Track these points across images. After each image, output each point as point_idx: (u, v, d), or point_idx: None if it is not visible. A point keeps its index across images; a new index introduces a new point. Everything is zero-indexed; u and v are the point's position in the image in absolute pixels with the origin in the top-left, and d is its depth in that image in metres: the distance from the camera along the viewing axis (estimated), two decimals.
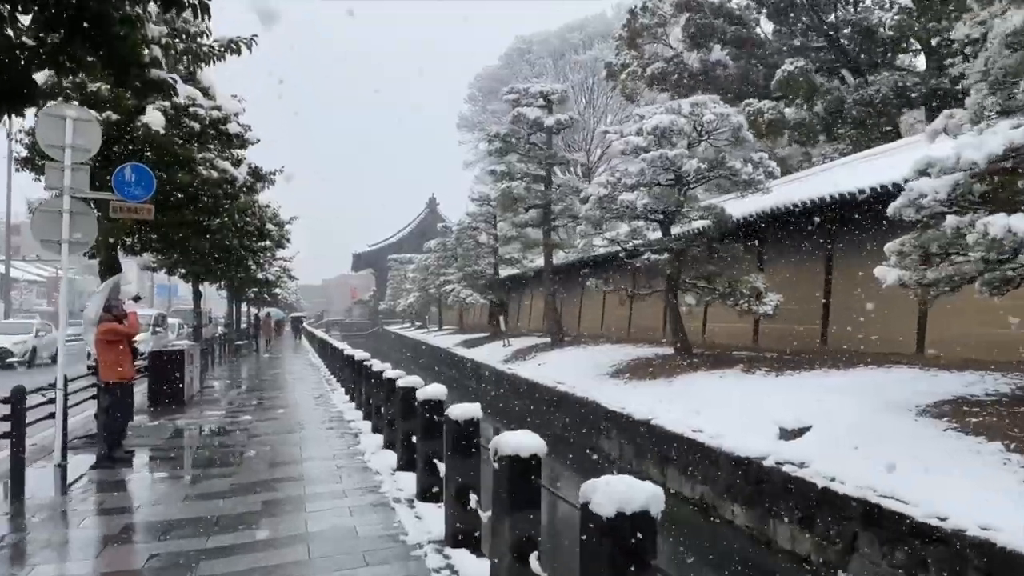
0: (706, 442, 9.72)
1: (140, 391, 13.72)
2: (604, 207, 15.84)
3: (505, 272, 33.34)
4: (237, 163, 10.13)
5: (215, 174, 9.39)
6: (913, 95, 21.90)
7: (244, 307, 41.24)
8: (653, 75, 26.39)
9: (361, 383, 11.79)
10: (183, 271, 18.69)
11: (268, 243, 18.77)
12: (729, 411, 10.69)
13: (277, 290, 39.86)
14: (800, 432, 9.04)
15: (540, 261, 33.42)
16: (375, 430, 9.66)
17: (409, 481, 7.01)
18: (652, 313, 22.90)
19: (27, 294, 62.37)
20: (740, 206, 16.00)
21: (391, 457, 7.99)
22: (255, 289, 33.49)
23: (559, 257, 25.28)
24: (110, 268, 9.81)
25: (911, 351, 12.38)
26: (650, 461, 11.29)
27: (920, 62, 26.59)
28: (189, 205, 9.61)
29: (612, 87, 32.16)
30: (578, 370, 17.58)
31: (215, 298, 45.62)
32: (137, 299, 9.39)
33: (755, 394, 11.12)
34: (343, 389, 14.95)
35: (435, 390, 6.27)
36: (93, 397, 9.28)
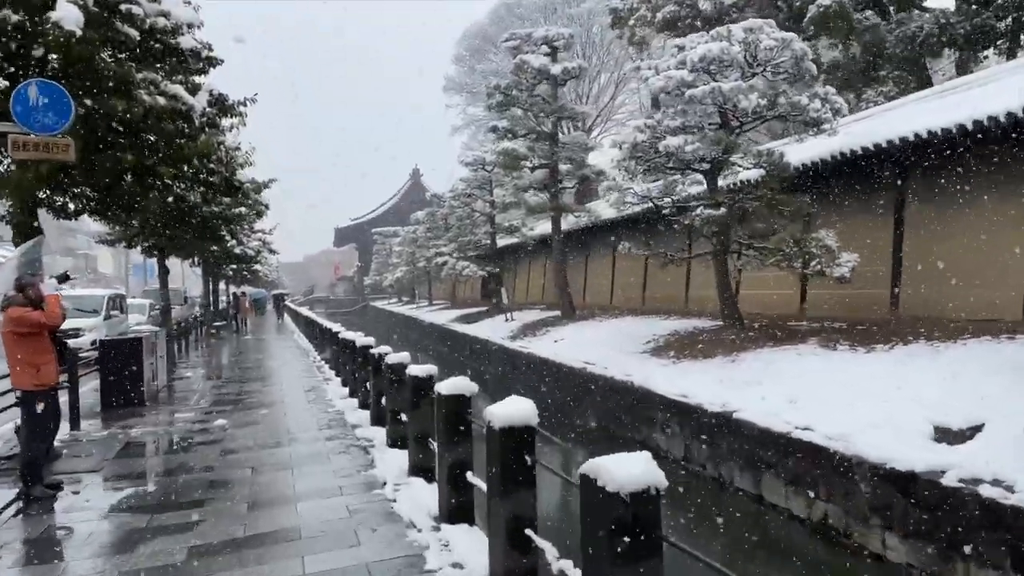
0: (827, 446, 7.29)
1: (91, 390, 11.08)
2: (640, 156, 13.27)
3: (504, 241, 30.72)
4: (194, 90, 7.47)
5: (162, 101, 6.74)
6: (958, 33, 19.43)
7: (223, 286, 38.34)
8: (665, 20, 23.69)
9: (365, 375, 9.23)
10: (145, 244, 15.91)
11: (243, 210, 16.00)
12: (836, 401, 8.30)
13: (257, 267, 36.93)
14: (970, 433, 6.64)
15: (541, 229, 30.83)
16: (393, 443, 7.11)
17: (468, 542, 4.47)
18: (671, 281, 20.48)
19: None
20: (797, 152, 13.50)
21: (426, 493, 5.44)
22: (233, 266, 30.62)
23: (567, 223, 22.71)
24: (26, 236, 7.15)
25: (1016, 317, 9.99)
26: (735, 466, 8.86)
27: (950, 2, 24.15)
28: (129, 144, 6.95)
29: (618, 35, 29.40)
30: (607, 347, 15.12)
31: (193, 277, 42.61)
32: (64, 279, 6.72)
33: (865, 377, 8.72)
34: (339, 379, 12.37)
35: (518, 410, 3.73)
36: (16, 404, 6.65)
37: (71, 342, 9.10)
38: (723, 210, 12.08)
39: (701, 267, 18.97)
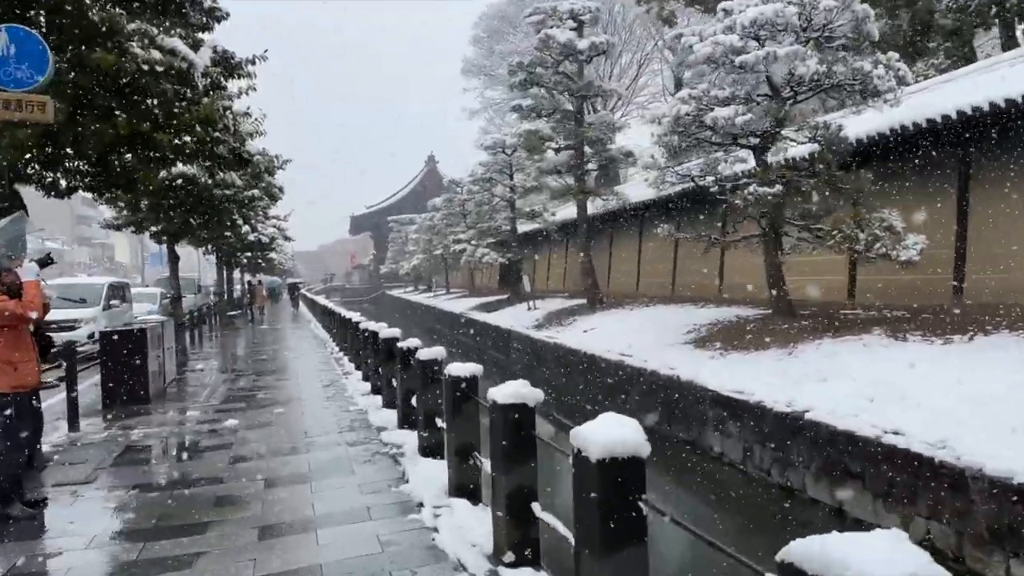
0: (930, 455, 6.23)
1: (92, 385, 10.18)
2: (682, 131, 12.17)
3: (524, 228, 29.65)
4: (195, 47, 6.47)
5: (157, 56, 5.75)
6: (1013, 1, 18.16)
7: (238, 274, 37.55)
8: None
9: (391, 371, 8.25)
10: (154, 229, 15.00)
11: (255, 193, 15.05)
12: (923, 399, 7.24)
13: (272, 255, 36.08)
14: None
15: (563, 214, 29.73)
16: (427, 451, 6.12)
17: None
18: (704, 267, 19.39)
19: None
20: (852, 125, 12.36)
21: (473, 521, 4.44)
22: (248, 254, 29.76)
23: (592, 207, 21.59)
24: (5, 212, 6.20)
25: None
26: (807, 473, 7.81)
27: None
28: (121, 108, 5.98)
29: (646, 9, 28.13)
30: (643, 338, 14.07)
31: (208, 265, 41.87)
32: (47, 262, 5.76)
33: (949, 372, 7.64)
34: (359, 373, 11.41)
35: (626, 438, 2.71)
36: None
37: (66, 335, 8.19)
38: (778, 187, 10.96)
39: (737, 252, 17.89)
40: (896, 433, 6.82)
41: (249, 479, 5.98)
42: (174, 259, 15.39)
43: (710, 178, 13.32)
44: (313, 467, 6.23)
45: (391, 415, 7.86)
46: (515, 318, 22.81)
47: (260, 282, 44.16)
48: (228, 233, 20.88)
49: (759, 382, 9.39)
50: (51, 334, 6.48)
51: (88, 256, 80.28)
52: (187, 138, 7.02)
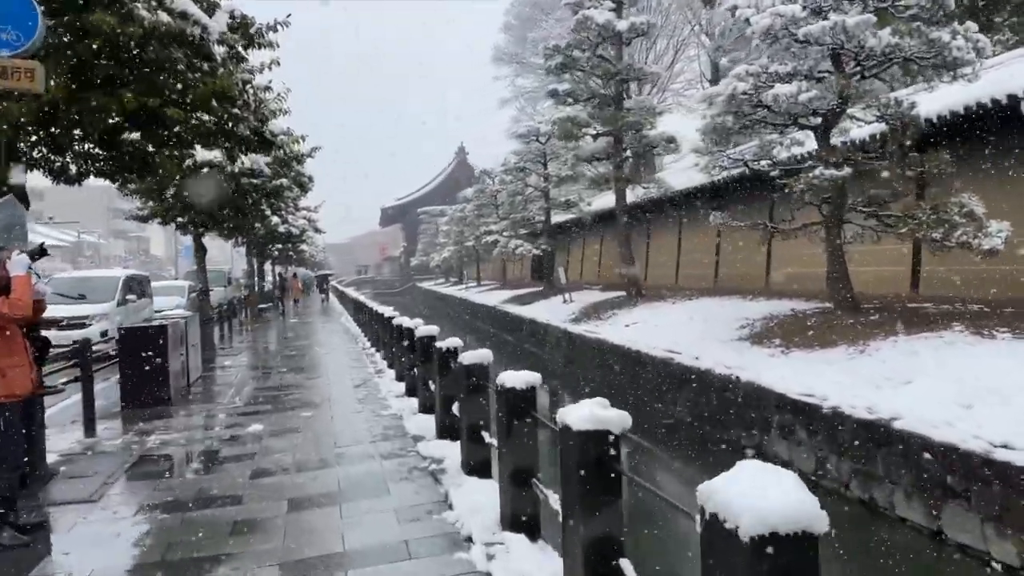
0: None
1: (108, 386, 9.57)
2: (737, 111, 11.22)
3: (558, 218, 28.76)
4: (210, 9, 5.70)
5: (166, 20, 5.01)
6: None
7: (268, 266, 37.16)
8: None
9: (427, 373, 7.49)
10: (181, 220, 14.41)
11: (284, 182, 14.37)
12: None
13: (303, 247, 35.61)
14: None
15: (599, 203, 28.76)
16: (472, 469, 5.33)
17: None
18: (749, 258, 18.42)
19: (48, 260, 58.88)
20: (926, 102, 11.31)
21: (533, 567, 3.62)
22: (279, 245, 29.26)
23: (633, 195, 20.64)
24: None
25: None
26: (896, 489, 6.89)
27: None
28: (126, 79, 5.26)
29: None
30: (691, 333, 13.17)
31: (239, 258, 41.59)
32: (39, 254, 5.08)
33: None
34: (392, 371, 10.67)
35: (792, 506, 1.85)
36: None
37: (76, 334, 7.53)
38: (847, 170, 9.97)
39: (786, 243, 16.88)
40: (1006, 447, 5.89)
41: (271, 499, 5.25)
42: (200, 251, 14.80)
43: (764, 162, 12.38)
44: (343, 485, 5.48)
45: (428, 422, 7.09)
46: (550, 311, 21.98)
47: (295, 275, 43.82)
48: (258, 225, 20.30)
49: (830, 384, 8.47)
50: (59, 332, 5.84)
51: (124, 249, 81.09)
52: (204, 116, 6.29)
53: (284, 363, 13.05)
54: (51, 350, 5.98)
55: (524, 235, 28.86)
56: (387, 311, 11.63)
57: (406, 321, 8.88)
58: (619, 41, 19.34)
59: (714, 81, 36.78)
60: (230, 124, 6.48)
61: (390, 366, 11.02)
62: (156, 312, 14.22)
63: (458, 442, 6.18)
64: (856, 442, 7.43)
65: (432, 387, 7.19)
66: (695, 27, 35.44)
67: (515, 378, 4.15)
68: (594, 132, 19.56)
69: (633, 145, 19.66)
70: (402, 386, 9.29)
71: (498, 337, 26.11)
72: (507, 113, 51.53)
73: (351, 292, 28.47)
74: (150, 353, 8.99)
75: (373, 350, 13.96)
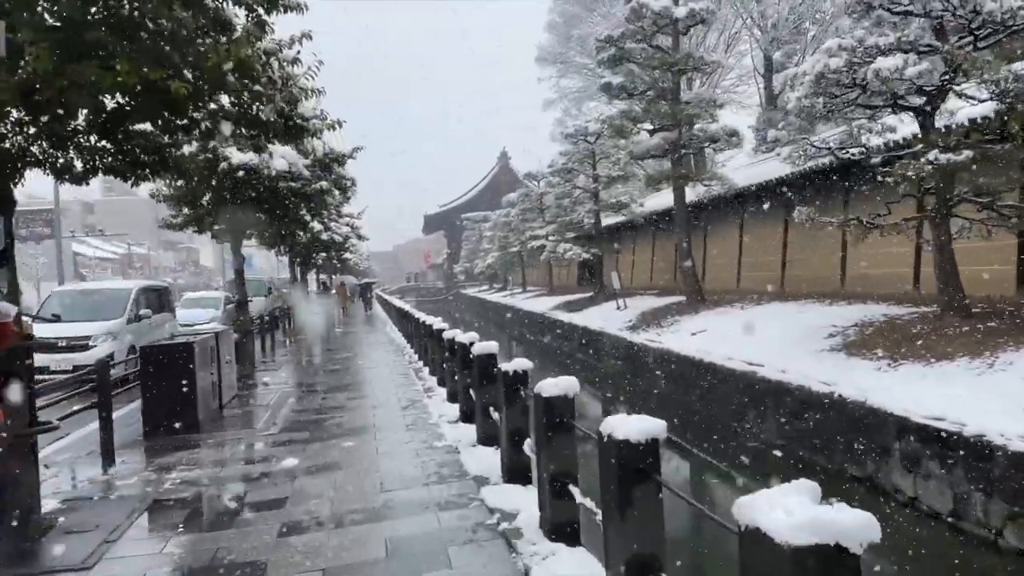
0: None
1: (126, 413, 8.61)
2: (827, 91, 9.84)
3: (608, 220, 27.46)
4: None
5: None
6: None
7: (313, 275, 36.53)
8: None
9: (487, 398, 6.30)
10: (217, 227, 13.52)
11: (324, 184, 13.37)
12: None
13: (347, 255, 34.86)
14: None
15: (652, 204, 27.37)
16: (556, 533, 4.10)
17: None
18: (822, 258, 16.91)
19: (101, 272, 59.58)
20: None
21: None
22: (323, 254, 28.50)
23: (694, 193, 19.25)
24: None
25: None
26: None
27: None
28: (121, 47, 4.22)
29: None
30: (770, 342, 11.77)
31: (282, 266, 41.08)
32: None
33: None
34: (443, 390, 9.52)
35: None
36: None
37: (77, 356, 6.53)
38: (967, 153, 8.51)
39: (865, 240, 15.41)
40: None
41: (301, 568, 4.11)
42: (239, 260, 13.90)
43: (854, 150, 10.95)
44: (391, 549, 4.30)
45: (491, 458, 5.89)
46: (604, 318, 20.68)
47: (343, 283, 43.17)
48: (300, 232, 19.42)
49: (962, 405, 7.06)
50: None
51: (173, 260, 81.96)
52: (222, 98, 5.25)
53: (326, 379, 12.01)
54: (43, 377, 4.95)
55: (572, 239, 27.62)
56: (435, 322, 10.51)
57: (459, 335, 7.71)
58: (676, 30, 18.02)
59: (767, 76, 35.07)
60: (252, 106, 5.41)
61: (440, 383, 9.87)
62: (186, 326, 13.31)
63: (531, 488, 4.99)
64: (1012, 480, 6.02)
65: (494, 416, 6.00)
66: (747, 20, 33.75)
67: (631, 427, 2.93)
68: (650, 127, 18.24)
69: (692, 140, 18.29)
70: (455, 409, 8.12)
71: (548, 347, 24.86)
72: (551, 116, 50.25)
73: (395, 301, 27.53)
74: (175, 374, 7.99)
75: (420, 363, 12.85)
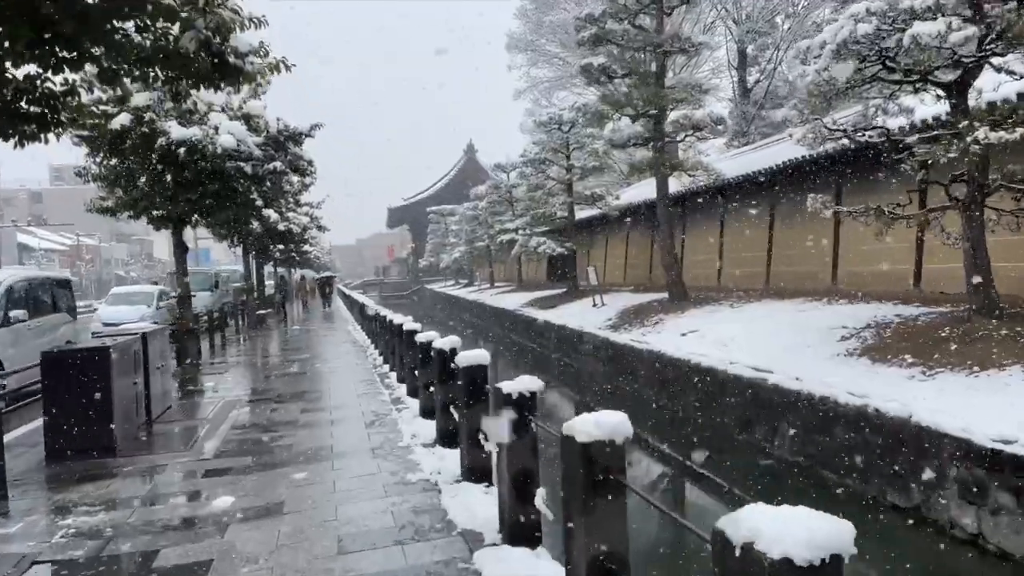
0: None
1: (33, 434, 7.08)
2: (850, 59, 8.66)
3: (582, 213, 26.23)
4: None
5: None
6: None
7: (270, 269, 34.65)
8: None
9: (476, 421, 4.94)
10: (156, 213, 11.91)
11: (278, 165, 11.84)
12: None
13: (307, 247, 33.09)
14: None
15: (628, 196, 26.23)
16: None
17: None
18: (811, 253, 15.91)
19: (47, 263, 56.62)
20: None
21: None
22: (279, 246, 26.78)
23: (680, 184, 18.08)
24: None
25: None
26: None
27: None
28: None
29: None
30: (772, 344, 10.62)
31: (236, 258, 39.08)
32: None
33: None
34: (414, 401, 8.12)
35: None
36: None
37: None
38: (1021, 131, 7.38)
39: (856, 235, 14.45)
40: None
41: None
42: (180, 250, 12.30)
43: (871, 132, 9.82)
44: None
45: (483, 501, 4.54)
46: (581, 317, 19.42)
47: (303, 277, 41.30)
48: (254, 223, 17.82)
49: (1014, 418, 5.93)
50: None
51: (126, 253, 78.66)
52: (127, 24, 3.82)
53: (278, 386, 10.51)
54: None
55: (544, 232, 26.34)
56: (405, 322, 9.09)
57: (437, 340, 6.31)
58: (660, 10, 16.80)
59: (741, 69, 34.21)
60: (166, 34, 3.98)
61: (412, 394, 8.46)
62: (110, 325, 11.63)
63: (541, 554, 3.65)
64: None
65: (486, 446, 4.63)
66: (721, 11, 32.84)
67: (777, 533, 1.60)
68: (633, 113, 17.01)
69: (676, 128, 17.09)
70: (430, 427, 6.73)
71: (522, 347, 23.53)
72: (520, 106, 48.89)
73: (359, 297, 25.94)
74: (85, 385, 6.47)
75: (386, 367, 11.42)
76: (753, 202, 18.31)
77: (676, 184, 18.21)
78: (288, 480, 5.55)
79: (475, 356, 5.13)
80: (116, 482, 5.79)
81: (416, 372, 7.94)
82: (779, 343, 10.71)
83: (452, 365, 5.73)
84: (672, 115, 17.25)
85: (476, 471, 5.00)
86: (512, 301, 28.00)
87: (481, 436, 4.87)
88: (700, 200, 20.44)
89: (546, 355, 19.78)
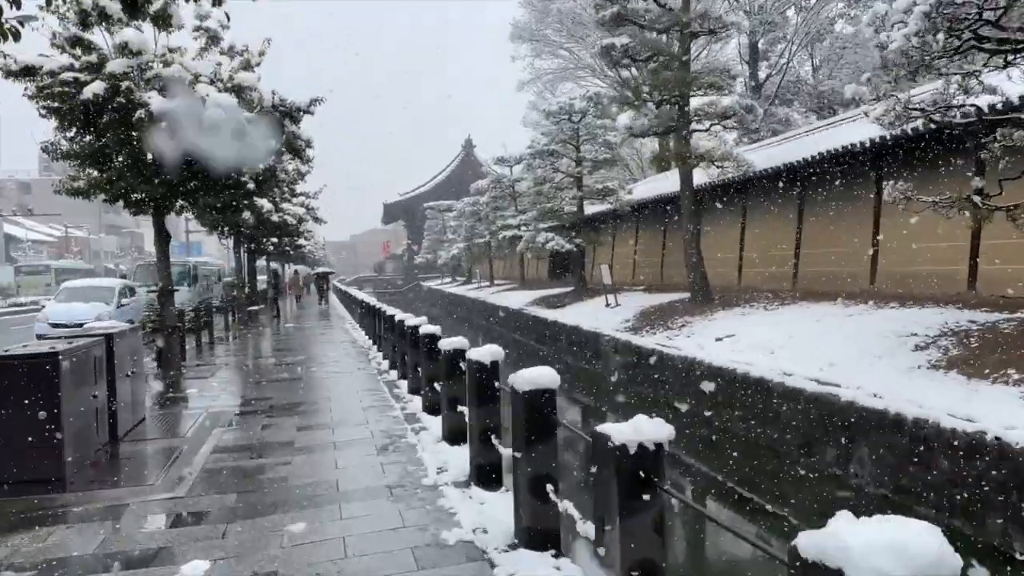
0: None
1: None
2: (945, 24, 7.36)
3: (592, 208, 24.90)
4: None
5: None
6: None
7: (262, 263, 33.18)
8: None
9: (537, 461, 3.58)
10: (135, 196, 10.50)
11: (271, 143, 10.43)
12: None
13: (302, 241, 31.63)
14: None
15: (640, 191, 24.93)
16: None
17: None
18: (848, 253, 14.65)
19: (35, 254, 54.90)
20: None
21: None
22: (273, 239, 25.34)
23: (705, 175, 16.76)
24: None
25: None
26: None
27: None
28: None
29: None
30: (831, 353, 9.33)
31: (226, 251, 37.55)
32: None
33: None
34: (435, 421, 6.74)
35: None
36: None
37: None
38: None
39: (904, 229, 13.22)
40: None
41: None
42: (162, 239, 10.88)
43: (956, 110, 8.52)
44: None
45: (537, 560, 3.18)
46: (595, 317, 18.10)
47: (296, 272, 39.84)
48: (247, 214, 16.44)
49: None
50: None
51: (116, 245, 76.77)
52: None
53: (271, 395, 9.12)
54: None
55: (553, 228, 25.01)
56: (422, 325, 7.71)
57: (474, 351, 4.93)
58: None
59: (752, 63, 32.96)
60: None
61: (429, 410, 7.09)
62: (60, 326, 10.13)
63: None
64: None
65: (557, 501, 3.28)
66: (733, 2, 31.56)
67: None
68: (657, 98, 15.68)
69: (704, 115, 15.78)
70: (459, 457, 5.36)
71: (530, 348, 22.15)
72: (521, 100, 47.54)
73: (358, 293, 24.50)
74: (27, 401, 5.09)
75: (394, 374, 10.05)
76: (778, 197, 17.05)
77: (698, 177, 16.90)
78: (282, 535, 4.18)
79: (535, 377, 3.78)
80: (59, 532, 4.41)
81: (436, 385, 6.57)
82: (837, 352, 9.41)
83: (495, 384, 4.39)
84: (695, 102, 16.00)
85: (539, 536, 3.65)
86: (516, 300, 26.64)
87: (549, 488, 3.52)
88: (719, 195, 19.15)
89: (559, 358, 18.42)
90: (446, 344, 5.89)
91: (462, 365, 5.42)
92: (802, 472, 8.30)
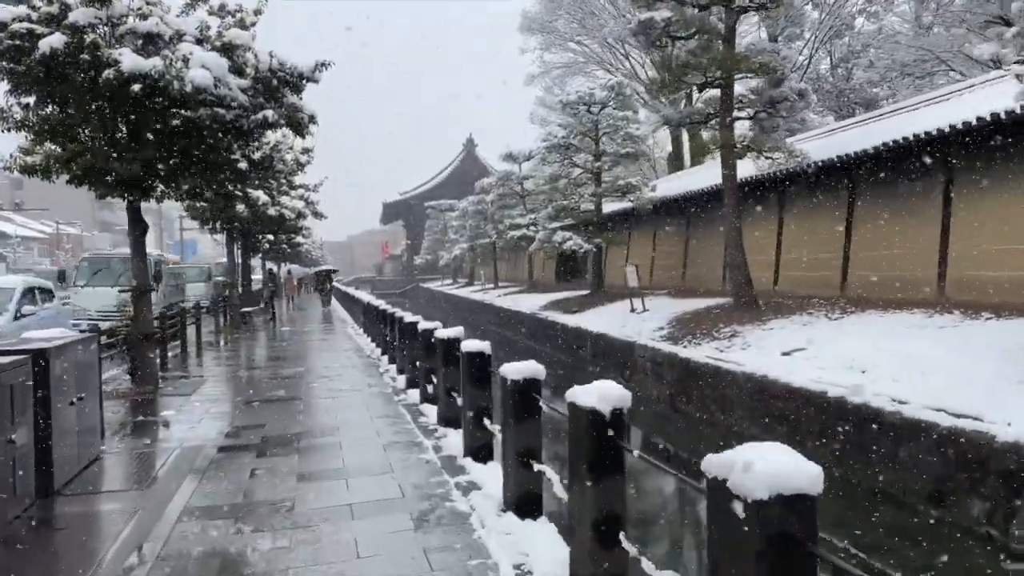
0: None
1: None
2: None
3: (611, 206, 23.16)
4: None
5: None
6: None
7: (258, 261, 31.31)
8: None
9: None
10: (111, 178, 8.67)
11: (269, 114, 8.61)
12: None
13: (299, 239, 29.77)
14: None
15: (662, 188, 23.18)
16: None
17: None
18: (909, 255, 12.99)
19: (25, 251, 52.85)
20: None
21: None
22: (269, 236, 23.49)
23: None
24: None
25: None
26: None
27: None
28: None
29: None
30: (944, 373, 7.60)
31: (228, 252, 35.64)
32: None
33: None
34: (479, 469, 4.94)
35: None
36: None
37: None
38: None
39: (982, 229, 11.62)
40: None
41: None
42: (137, 228, 9.07)
43: None
44: None
45: None
46: (622, 324, 16.31)
47: (290, 272, 38.00)
48: (240, 206, 14.64)
49: None
50: None
51: (109, 243, 74.54)
52: None
53: (266, 418, 7.30)
54: None
55: (568, 227, 23.26)
56: (444, 330, 5.92)
57: (587, 395, 3.15)
58: None
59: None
60: None
61: (474, 454, 5.24)
62: None
63: None
64: None
65: None
66: None
67: None
68: (700, 80, 13.92)
69: (751, 102, 14.05)
70: (550, 548, 3.56)
71: (550, 357, 20.30)
72: (527, 96, 45.81)
73: (364, 295, 22.64)
74: None
75: (414, 393, 8.24)
76: (823, 194, 15.33)
77: (754, 168, 15.15)
78: None
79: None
80: None
81: (486, 423, 4.76)
82: (956, 373, 7.64)
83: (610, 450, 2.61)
84: (738, 87, 14.29)
85: None
86: (526, 303, 24.83)
87: None
88: (754, 192, 17.41)
89: (584, 369, 16.60)
90: (511, 372, 4.07)
91: (540, 403, 3.62)
92: (940, 529, 6.50)
